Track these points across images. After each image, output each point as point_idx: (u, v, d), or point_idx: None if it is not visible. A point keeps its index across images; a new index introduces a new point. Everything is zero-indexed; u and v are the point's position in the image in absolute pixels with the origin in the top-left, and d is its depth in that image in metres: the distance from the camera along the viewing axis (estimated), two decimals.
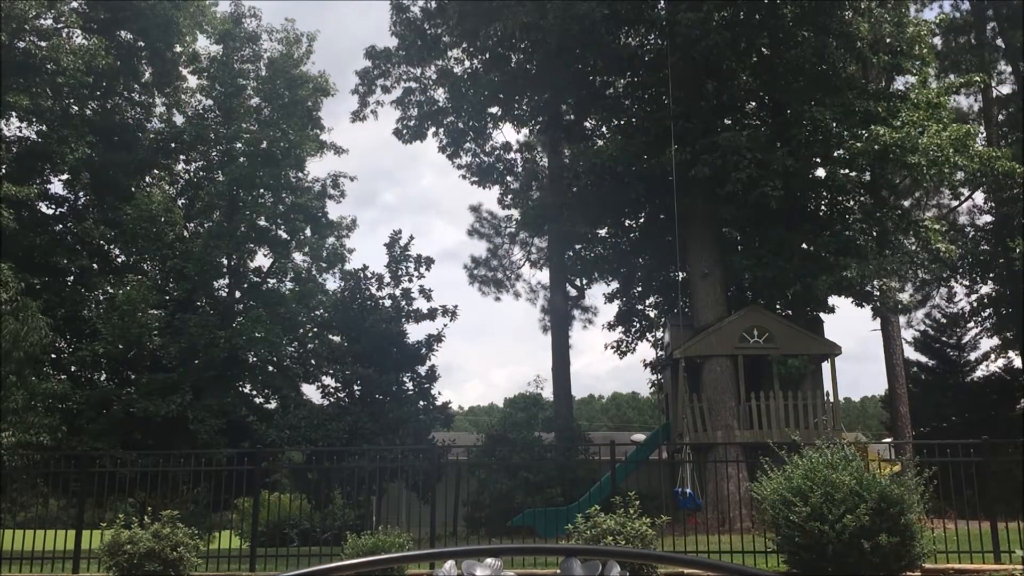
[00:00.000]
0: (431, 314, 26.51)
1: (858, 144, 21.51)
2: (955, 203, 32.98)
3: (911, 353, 34.53)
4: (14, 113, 27.61)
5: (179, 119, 32.53)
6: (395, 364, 25.52)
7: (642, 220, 27.56)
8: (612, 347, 28.60)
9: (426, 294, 26.67)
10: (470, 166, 30.69)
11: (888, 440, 26.87)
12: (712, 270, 23.44)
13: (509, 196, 30.94)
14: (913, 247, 24.30)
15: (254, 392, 30.62)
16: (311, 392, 30.84)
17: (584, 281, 31.72)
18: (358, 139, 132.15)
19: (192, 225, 31.43)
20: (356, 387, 25.58)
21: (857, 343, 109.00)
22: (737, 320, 22.61)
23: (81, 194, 30.56)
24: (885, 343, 28.01)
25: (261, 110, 32.16)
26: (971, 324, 34.89)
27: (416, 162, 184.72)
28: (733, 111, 23.76)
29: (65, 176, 29.95)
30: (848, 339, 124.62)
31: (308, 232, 33.44)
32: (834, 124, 22.30)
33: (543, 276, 34.37)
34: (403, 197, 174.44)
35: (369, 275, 26.90)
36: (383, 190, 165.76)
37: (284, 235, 33.05)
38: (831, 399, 22.66)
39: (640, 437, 28.55)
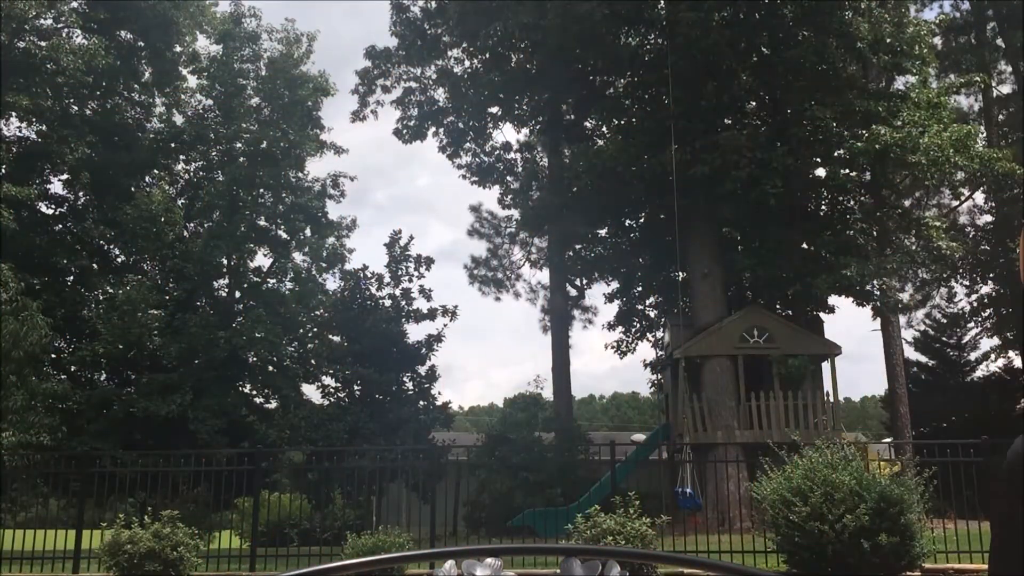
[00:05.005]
0: (431, 314, 26.48)
1: (858, 144, 21.50)
2: (955, 203, 33.00)
3: (911, 353, 34.56)
4: (14, 113, 27.61)
5: (179, 119, 32.55)
6: (395, 364, 25.48)
7: (642, 220, 27.55)
8: (612, 347, 28.60)
9: (426, 294, 26.64)
10: (470, 166, 30.69)
11: (888, 440, 26.85)
12: (712, 270, 23.44)
13: (509, 196, 30.94)
14: (913, 246, 24.30)
15: (254, 392, 30.63)
16: (311, 392, 30.80)
17: (584, 281, 31.69)
18: (353, 139, 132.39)
19: (192, 225, 31.43)
20: (356, 387, 25.55)
21: (857, 343, 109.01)
22: (737, 320, 22.61)
23: (81, 194, 30.57)
24: (885, 343, 27.99)
25: (261, 110, 32.16)
26: (971, 324, 34.88)
27: (410, 162, 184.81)
28: (733, 111, 23.76)
29: (65, 176, 29.95)
30: (848, 339, 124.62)
31: (308, 232, 33.43)
32: (834, 124, 22.29)
33: (543, 276, 34.36)
34: (397, 197, 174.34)
35: (369, 275, 26.88)
36: (376, 190, 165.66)
37: (284, 235, 33.05)
38: (831, 399, 22.66)
39: (640, 437, 28.56)
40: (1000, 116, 33.99)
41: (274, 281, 33.14)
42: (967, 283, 33.55)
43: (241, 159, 31.13)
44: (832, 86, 22.75)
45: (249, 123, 31.77)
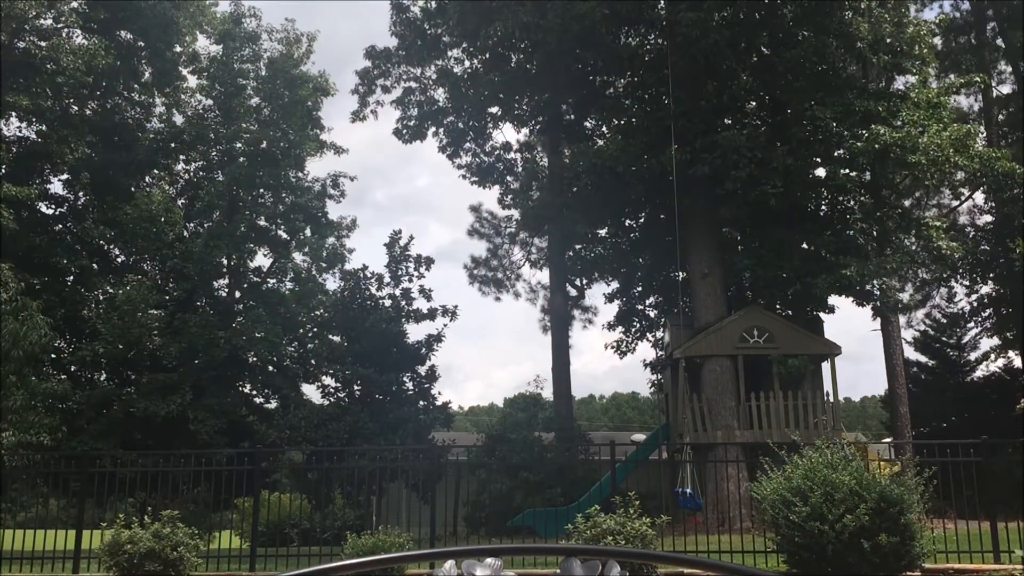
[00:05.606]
0: (431, 314, 26.49)
1: (858, 144, 21.51)
2: (955, 203, 33.00)
3: (911, 353, 34.55)
4: (14, 113, 27.60)
5: (179, 119, 32.56)
6: (395, 364, 25.49)
7: (642, 220, 27.55)
8: (612, 347, 28.59)
9: (426, 294, 26.66)
10: (470, 166, 30.69)
11: (888, 440, 26.85)
12: (712, 270, 23.44)
13: (509, 196, 30.94)
14: (913, 246, 24.30)
15: (254, 392, 30.63)
16: (311, 392, 30.84)
17: (584, 281, 31.71)
18: (353, 139, 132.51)
19: (192, 225, 31.44)
20: (356, 387, 25.56)
21: (857, 343, 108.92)
22: (737, 320, 22.62)
23: (81, 194, 30.57)
24: (885, 343, 27.99)
25: (261, 110, 32.18)
26: (971, 324, 34.87)
27: (410, 162, 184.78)
28: (733, 111, 23.76)
29: (65, 176, 29.96)
30: (848, 339, 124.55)
31: (308, 232, 33.45)
32: (834, 124, 22.30)
33: (543, 276, 34.39)
34: (397, 197, 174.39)
35: (369, 275, 26.89)
36: (376, 190, 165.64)
37: (284, 235, 33.07)
38: (831, 399, 22.66)
39: (640, 437, 28.54)
40: (1000, 116, 33.98)
41: (274, 281, 33.18)
42: (967, 283, 33.53)
43: (241, 159, 31.13)
44: (832, 86, 22.76)
45: (249, 123, 31.79)
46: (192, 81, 32.69)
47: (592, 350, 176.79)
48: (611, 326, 28.69)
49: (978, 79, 26.23)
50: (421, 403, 25.73)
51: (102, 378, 28.41)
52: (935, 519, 12.85)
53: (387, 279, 26.75)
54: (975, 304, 34.15)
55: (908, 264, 24.33)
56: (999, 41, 34.09)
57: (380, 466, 18.25)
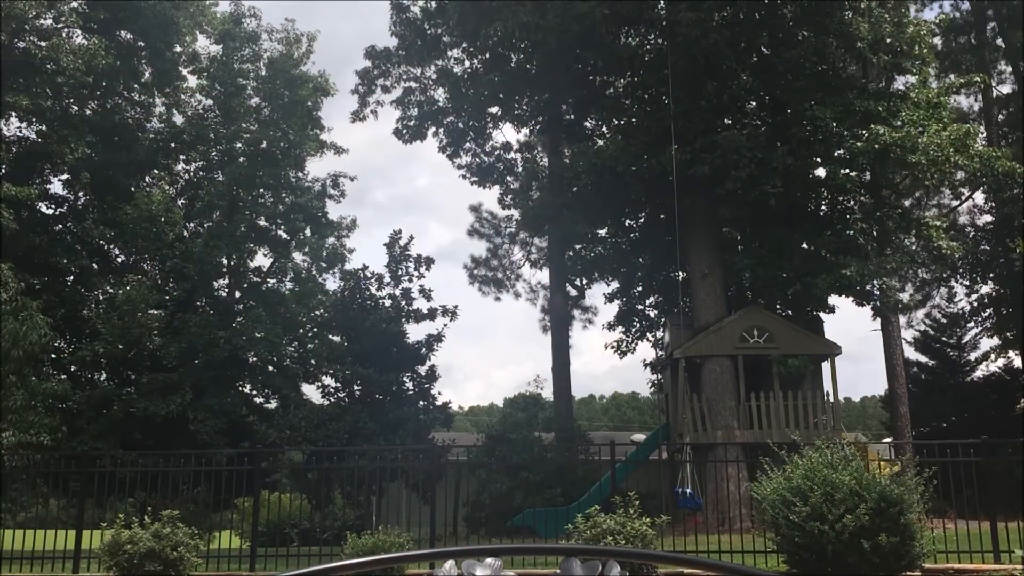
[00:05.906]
0: (431, 314, 26.50)
1: (858, 144, 21.52)
2: (955, 203, 33.01)
3: (911, 353, 34.54)
4: (14, 113, 27.60)
5: (179, 119, 32.56)
6: (395, 364, 25.49)
7: (642, 220, 27.55)
8: (612, 347, 28.59)
9: (426, 294, 26.66)
10: (470, 166, 30.70)
11: (888, 440, 26.85)
12: (712, 270, 23.44)
13: (509, 196, 30.94)
14: (913, 246, 24.31)
15: (254, 392, 30.64)
16: (311, 392, 30.82)
17: (584, 281, 31.71)
18: (353, 139, 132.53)
19: (192, 225, 31.44)
20: (356, 387, 25.56)
21: (857, 343, 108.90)
22: (737, 320, 22.62)
23: (81, 194, 30.57)
24: (885, 343, 27.99)
25: (261, 110, 32.18)
26: (971, 324, 34.87)
27: (410, 162, 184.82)
28: (733, 111, 23.77)
29: (65, 176, 29.96)
30: (848, 339, 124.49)
31: (308, 232, 33.45)
32: (834, 124, 22.31)
33: (543, 276, 34.40)
34: (397, 197, 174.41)
35: (369, 275, 26.90)
36: (376, 190, 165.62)
37: (284, 235, 33.07)
38: (831, 399, 22.67)
39: (640, 437, 28.54)
40: (1000, 116, 33.98)
41: (274, 281, 33.18)
42: (967, 283, 33.54)
43: (241, 159, 31.14)
44: (832, 86, 22.76)
45: (249, 123, 31.79)
46: (192, 81, 32.73)
47: (592, 350, 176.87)
48: (611, 326, 28.70)
49: (978, 79, 26.24)
50: (421, 403, 25.74)
51: (102, 378, 28.41)
52: (935, 519, 12.85)
53: (387, 279, 26.76)
54: (975, 304, 34.16)
55: (908, 264, 24.35)
56: (999, 41, 34.10)
57: (380, 466, 18.25)
